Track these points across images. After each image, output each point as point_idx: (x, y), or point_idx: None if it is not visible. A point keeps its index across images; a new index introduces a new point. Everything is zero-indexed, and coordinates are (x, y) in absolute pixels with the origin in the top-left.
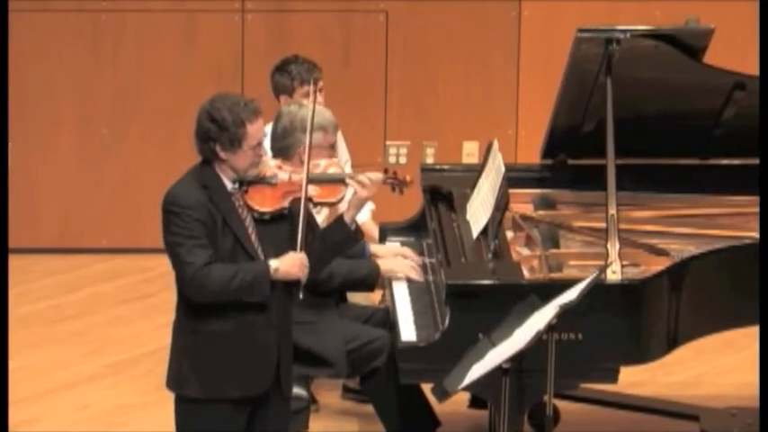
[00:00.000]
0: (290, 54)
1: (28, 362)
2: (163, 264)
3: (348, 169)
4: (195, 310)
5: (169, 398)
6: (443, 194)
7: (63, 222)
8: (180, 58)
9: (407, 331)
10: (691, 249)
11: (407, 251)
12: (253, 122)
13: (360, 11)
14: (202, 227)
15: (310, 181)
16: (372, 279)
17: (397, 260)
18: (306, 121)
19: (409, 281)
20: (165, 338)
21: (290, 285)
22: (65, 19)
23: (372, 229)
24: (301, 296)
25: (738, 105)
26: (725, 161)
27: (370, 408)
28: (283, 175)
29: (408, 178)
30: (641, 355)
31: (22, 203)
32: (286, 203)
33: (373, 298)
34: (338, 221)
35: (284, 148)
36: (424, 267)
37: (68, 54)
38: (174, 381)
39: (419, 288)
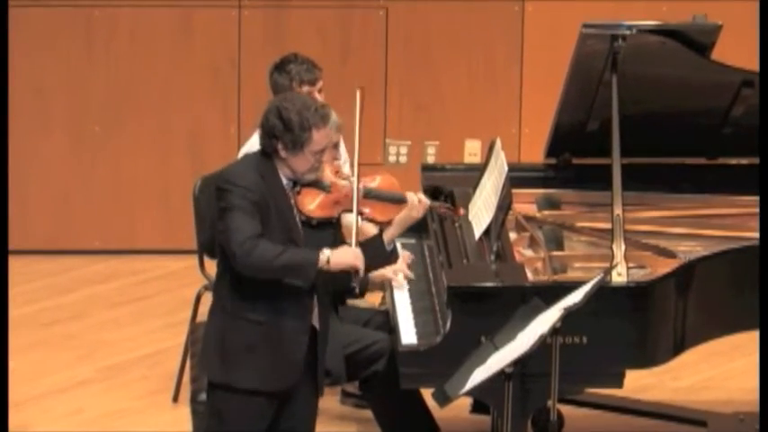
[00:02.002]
0: (288, 51)
1: (19, 365)
2: (157, 266)
3: (346, 169)
4: (230, 293)
5: (164, 402)
6: (445, 194)
7: (54, 223)
8: (175, 55)
9: (408, 335)
10: (698, 250)
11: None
12: (319, 129)
13: (359, 6)
14: (256, 207)
15: (368, 196)
16: (360, 286)
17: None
18: None
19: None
20: (159, 342)
21: (338, 282)
22: (57, 14)
23: (371, 231)
24: (357, 290)
25: (746, 103)
26: (733, 160)
27: (369, 413)
28: (339, 184)
29: (462, 211)
30: (647, 360)
31: (12, 203)
32: (335, 213)
33: (373, 300)
34: (377, 240)
35: None
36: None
37: (60, 50)
38: (202, 363)
39: (420, 290)
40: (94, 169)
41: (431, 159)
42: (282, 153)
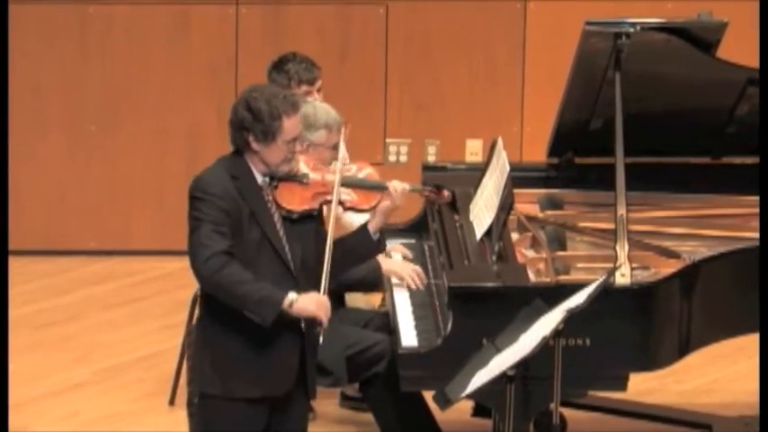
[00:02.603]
0: (287, 49)
1: (14, 368)
2: (153, 267)
3: None
4: (218, 304)
5: (160, 405)
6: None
7: (49, 223)
8: (171, 53)
9: (408, 336)
10: (703, 251)
11: (396, 247)
12: (290, 116)
13: (359, 3)
14: (226, 217)
15: (345, 184)
16: (373, 278)
17: (400, 262)
18: (310, 118)
19: (408, 287)
20: (155, 344)
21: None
22: (51, 11)
23: None
24: (321, 340)
25: (751, 102)
26: (738, 160)
27: (368, 416)
28: (316, 176)
29: (447, 194)
30: (651, 362)
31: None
32: (316, 204)
33: (373, 301)
34: (362, 230)
35: None
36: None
37: (55, 48)
38: (194, 376)
39: (420, 291)
40: (90, 169)
41: (431, 159)
42: (255, 146)
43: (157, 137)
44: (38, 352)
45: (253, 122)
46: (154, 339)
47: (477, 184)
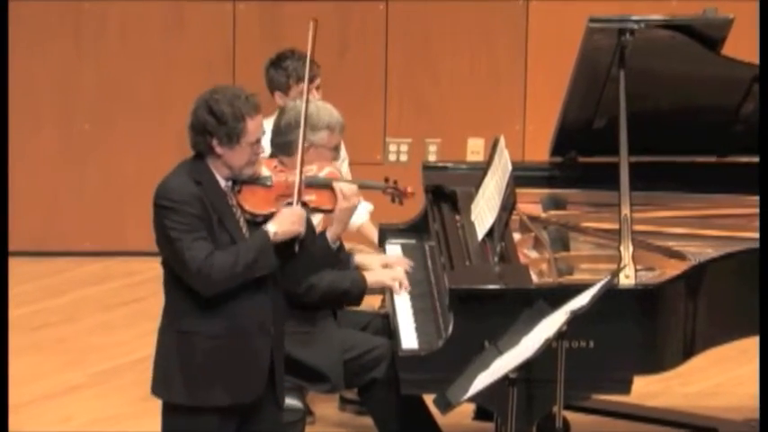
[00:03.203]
0: (285, 46)
1: (9, 370)
2: (150, 267)
3: (345, 168)
4: (183, 310)
5: (157, 409)
6: (447, 194)
7: (44, 224)
8: (167, 50)
9: (408, 339)
10: (709, 252)
11: (393, 259)
12: (253, 118)
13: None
14: (200, 221)
15: (308, 185)
16: (357, 292)
17: (384, 271)
18: (312, 118)
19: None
20: (152, 346)
21: (284, 272)
22: (45, 7)
23: (371, 231)
24: (297, 249)
25: (757, 100)
26: (744, 159)
27: (368, 420)
28: (279, 178)
29: (410, 189)
30: (656, 365)
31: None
32: (280, 207)
33: (373, 303)
34: (319, 235)
35: (286, 143)
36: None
37: (49, 45)
38: (160, 386)
39: (421, 293)
40: (85, 168)
41: (432, 158)
42: (218, 149)
43: (153, 135)
44: (32, 354)
45: (216, 126)
46: (150, 341)
47: (478, 183)
